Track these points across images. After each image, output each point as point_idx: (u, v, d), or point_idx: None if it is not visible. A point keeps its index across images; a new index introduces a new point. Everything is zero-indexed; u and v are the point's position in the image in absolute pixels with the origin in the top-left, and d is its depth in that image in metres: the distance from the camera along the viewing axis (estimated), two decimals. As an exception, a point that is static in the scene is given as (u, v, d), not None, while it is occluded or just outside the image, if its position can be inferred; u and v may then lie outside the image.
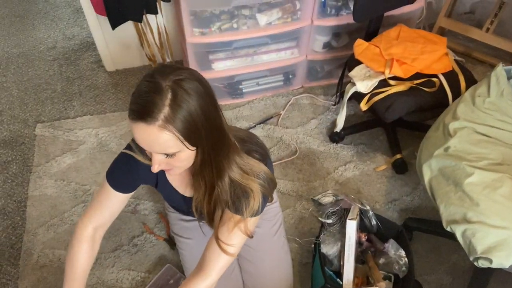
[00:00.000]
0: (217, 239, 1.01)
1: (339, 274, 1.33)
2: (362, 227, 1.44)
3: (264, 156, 1.02)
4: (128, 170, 1.08)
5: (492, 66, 2.27)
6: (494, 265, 1.08)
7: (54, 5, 2.81)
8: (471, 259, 1.14)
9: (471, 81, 1.63)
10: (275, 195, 1.38)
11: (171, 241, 1.58)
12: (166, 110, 0.75)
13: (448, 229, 1.19)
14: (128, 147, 1.08)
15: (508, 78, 1.32)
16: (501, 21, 2.17)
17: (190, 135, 0.80)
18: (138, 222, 1.65)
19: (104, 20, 1.96)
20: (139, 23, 1.97)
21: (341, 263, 1.31)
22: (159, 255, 1.55)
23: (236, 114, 2.07)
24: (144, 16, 1.91)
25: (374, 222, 1.41)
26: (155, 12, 1.90)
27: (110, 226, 1.62)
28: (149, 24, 2.02)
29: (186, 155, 0.85)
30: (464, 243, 1.15)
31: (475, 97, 1.33)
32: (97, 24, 2.06)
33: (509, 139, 1.25)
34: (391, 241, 1.37)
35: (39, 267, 1.52)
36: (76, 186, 1.76)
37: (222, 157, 0.90)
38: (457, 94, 1.57)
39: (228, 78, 2.02)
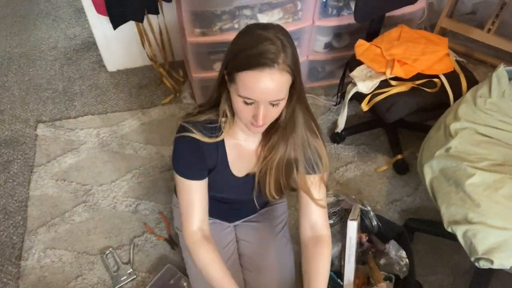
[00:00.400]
0: (314, 200, 1.08)
1: (339, 274, 1.33)
2: (363, 227, 1.44)
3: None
4: (197, 154, 1.04)
5: (494, 67, 2.26)
6: (495, 266, 1.08)
7: (55, 5, 2.82)
8: (472, 259, 1.14)
9: (472, 82, 1.62)
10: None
11: (171, 241, 1.58)
12: (282, 55, 0.84)
13: (449, 229, 1.19)
14: (183, 129, 1.01)
15: (510, 79, 1.32)
16: (502, 22, 2.16)
17: (296, 75, 0.89)
18: (139, 222, 1.65)
19: (106, 20, 1.97)
20: (140, 23, 1.97)
21: (342, 264, 1.31)
22: (159, 255, 1.55)
23: (237, 114, 2.08)
24: (145, 16, 1.91)
25: (375, 222, 1.41)
26: (156, 12, 1.90)
27: (110, 226, 1.63)
28: (150, 24, 2.02)
29: (283, 103, 0.92)
30: (465, 244, 1.15)
31: (476, 98, 1.33)
32: (98, 24, 2.07)
33: (510, 139, 1.25)
34: (392, 241, 1.36)
35: (39, 267, 1.52)
36: (77, 186, 1.76)
37: (303, 109, 0.99)
38: (458, 94, 1.57)
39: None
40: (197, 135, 1.00)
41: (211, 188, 1.12)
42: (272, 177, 1.07)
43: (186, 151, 1.03)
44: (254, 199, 1.16)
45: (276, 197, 1.13)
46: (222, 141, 1.05)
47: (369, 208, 1.40)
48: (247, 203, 1.21)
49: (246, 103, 0.89)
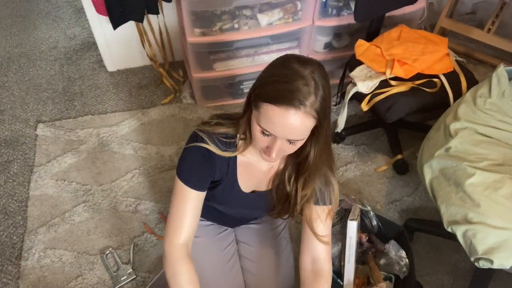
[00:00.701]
0: (317, 236, 1.05)
1: (339, 274, 1.33)
2: (363, 227, 1.44)
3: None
4: (208, 163, 1.01)
5: (494, 67, 2.27)
6: (495, 266, 1.08)
7: (55, 5, 2.82)
8: (472, 259, 1.14)
9: (472, 82, 1.63)
10: None
11: (171, 241, 1.58)
12: (311, 98, 0.81)
13: (449, 229, 1.19)
14: (197, 139, 1.00)
15: (510, 79, 1.32)
16: (502, 22, 2.17)
17: (322, 121, 0.86)
18: (139, 222, 1.65)
19: (106, 20, 1.97)
20: (140, 23, 1.97)
21: (342, 264, 1.31)
22: (159, 255, 1.55)
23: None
24: (145, 16, 1.91)
25: (375, 222, 1.40)
26: (156, 12, 1.90)
27: (110, 226, 1.63)
28: (150, 24, 2.02)
29: (302, 143, 0.90)
30: (465, 244, 1.15)
31: (476, 98, 1.33)
32: (98, 24, 2.07)
33: (510, 139, 1.25)
34: (392, 241, 1.36)
35: (39, 267, 1.52)
36: (77, 186, 1.76)
37: (326, 148, 0.97)
38: (458, 94, 1.57)
39: (229, 78, 2.02)
40: (211, 147, 0.98)
41: (212, 198, 1.11)
42: (278, 202, 1.09)
43: (196, 160, 1.00)
44: (259, 212, 1.17)
45: (284, 217, 1.14)
46: (235, 156, 1.03)
47: (369, 208, 1.40)
48: (249, 215, 1.21)
49: (264, 134, 0.87)
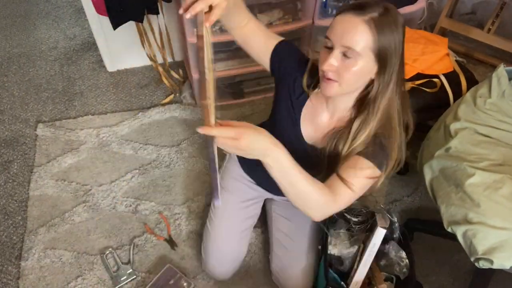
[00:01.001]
0: (344, 181, 0.95)
1: (343, 275, 1.33)
2: (385, 236, 1.42)
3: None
4: (298, 55, 1.13)
5: (494, 67, 2.27)
6: (495, 266, 1.08)
7: (55, 5, 2.82)
8: (472, 260, 1.14)
9: (472, 82, 1.62)
10: None
11: (171, 241, 1.58)
12: (375, 15, 0.88)
13: (449, 230, 1.19)
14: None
15: (510, 79, 1.32)
16: (502, 22, 2.16)
17: (382, 50, 0.90)
18: (139, 222, 1.65)
19: (105, 20, 1.96)
20: (140, 23, 1.97)
21: (355, 267, 1.30)
22: (159, 255, 1.55)
23: (237, 115, 2.07)
24: (145, 16, 1.91)
25: (396, 235, 1.36)
26: (156, 12, 1.90)
27: (110, 226, 1.63)
28: (150, 24, 2.02)
29: (362, 66, 0.92)
30: (465, 244, 1.15)
31: (476, 98, 1.33)
32: (98, 24, 2.07)
33: (510, 139, 1.25)
34: (392, 242, 1.36)
35: (39, 267, 1.52)
36: (77, 186, 1.76)
37: (391, 98, 0.97)
38: (458, 94, 1.57)
39: (229, 78, 2.03)
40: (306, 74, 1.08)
41: (274, 122, 1.19)
42: (330, 160, 1.04)
43: (296, 50, 1.13)
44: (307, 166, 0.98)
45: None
46: (306, 95, 1.11)
47: (395, 219, 1.38)
48: None
49: (326, 47, 0.94)
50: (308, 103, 1.11)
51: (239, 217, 1.41)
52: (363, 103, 1.01)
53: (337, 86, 0.95)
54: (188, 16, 0.78)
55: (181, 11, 0.79)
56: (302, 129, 1.13)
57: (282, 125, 1.17)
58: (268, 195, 1.44)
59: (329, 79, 0.95)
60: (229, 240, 1.38)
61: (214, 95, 0.80)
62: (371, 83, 0.97)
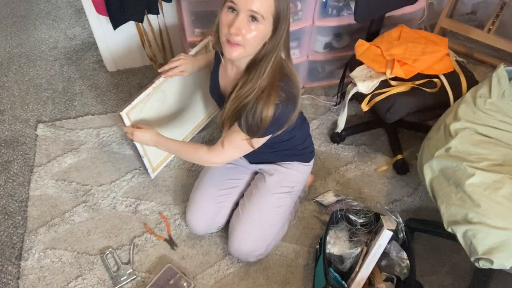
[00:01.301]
0: (223, 140, 1.25)
1: (343, 277, 1.33)
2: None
3: (285, 99, 1.10)
4: None
5: (494, 67, 2.27)
6: (495, 266, 1.08)
7: (55, 5, 2.82)
8: (472, 260, 1.14)
9: (472, 82, 1.63)
10: (310, 169, 1.57)
11: (171, 241, 1.58)
12: None
13: (449, 230, 1.19)
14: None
15: (510, 79, 1.32)
16: (502, 22, 2.16)
17: (279, 14, 1.00)
18: (139, 223, 1.65)
19: (106, 20, 1.97)
20: (140, 23, 1.97)
21: (357, 268, 1.30)
22: (159, 255, 1.55)
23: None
24: (145, 16, 1.91)
25: (401, 235, 1.37)
26: (156, 12, 1.90)
27: (110, 226, 1.63)
28: (150, 24, 2.02)
29: (263, 31, 1.02)
30: (465, 244, 1.15)
31: (476, 98, 1.33)
32: (98, 24, 2.07)
33: (510, 140, 1.25)
34: (393, 242, 1.36)
35: (39, 267, 1.52)
36: (77, 186, 1.76)
37: (276, 61, 1.08)
38: (458, 94, 1.57)
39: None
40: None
41: (210, 85, 1.40)
42: (228, 110, 1.18)
43: None
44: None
45: (225, 126, 1.24)
46: (219, 59, 1.28)
47: (400, 219, 1.38)
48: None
49: (230, 9, 1.00)
50: (221, 65, 1.29)
51: (221, 176, 1.53)
52: (253, 63, 1.11)
53: (241, 50, 1.05)
54: (164, 75, 1.46)
55: (159, 70, 1.46)
56: (220, 82, 1.32)
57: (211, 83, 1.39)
58: (246, 164, 1.57)
59: (234, 43, 1.03)
60: (208, 194, 1.50)
61: (128, 110, 1.42)
62: (264, 45, 1.07)
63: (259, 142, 1.21)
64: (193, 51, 1.59)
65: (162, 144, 1.39)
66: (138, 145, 1.56)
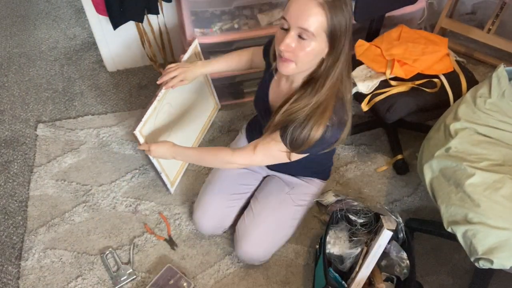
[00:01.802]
0: (256, 144, 1.21)
1: (343, 277, 1.33)
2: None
3: (336, 122, 1.09)
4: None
5: (494, 67, 2.27)
6: (495, 266, 1.08)
7: (55, 5, 2.82)
8: (472, 260, 1.14)
9: (472, 82, 1.63)
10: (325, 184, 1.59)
11: (171, 241, 1.58)
12: None
13: (449, 230, 1.19)
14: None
15: (510, 79, 1.32)
16: (502, 22, 2.16)
17: (334, 31, 0.97)
18: (139, 223, 1.65)
19: (106, 20, 1.97)
20: (140, 23, 1.97)
21: (358, 268, 1.30)
22: (159, 255, 1.55)
23: (237, 115, 2.07)
24: (145, 16, 1.91)
25: (401, 235, 1.37)
26: (156, 12, 1.90)
27: (110, 226, 1.63)
28: (150, 24, 2.02)
29: (315, 48, 0.99)
30: (465, 244, 1.15)
31: (476, 98, 1.33)
32: (98, 24, 2.07)
33: (510, 140, 1.25)
34: (393, 242, 1.36)
35: (39, 267, 1.52)
36: (77, 186, 1.77)
37: (335, 78, 1.06)
38: (458, 94, 1.57)
39: (229, 78, 2.02)
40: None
41: (256, 94, 1.36)
42: (275, 120, 1.15)
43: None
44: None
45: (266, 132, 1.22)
46: (272, 74, 1.28)
47: (400, 219, 1.38)
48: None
49: (282, 29, 1.00)
50: (273, 80, 1.28)
51: (234, 180, 1.53)
52: (311, 79, 1.10)
53: (293, 66, 1.04)
54: (165, 87, 1.48)
55: (158, 82, 1.47)
56: (270, 95, 1.29)
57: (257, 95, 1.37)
58: (261, 170, 1.58)
59: (286, 59, 1.03)
60: (219, 197, 1.49)
61: (140, 127, 1.42)
62: (322, 62, 1.06)
63: (297, 157, 1.19)
64: (185, 57, 1.59)
65: (180, 154, 1.35)
66: (154, 161, 1.51)
